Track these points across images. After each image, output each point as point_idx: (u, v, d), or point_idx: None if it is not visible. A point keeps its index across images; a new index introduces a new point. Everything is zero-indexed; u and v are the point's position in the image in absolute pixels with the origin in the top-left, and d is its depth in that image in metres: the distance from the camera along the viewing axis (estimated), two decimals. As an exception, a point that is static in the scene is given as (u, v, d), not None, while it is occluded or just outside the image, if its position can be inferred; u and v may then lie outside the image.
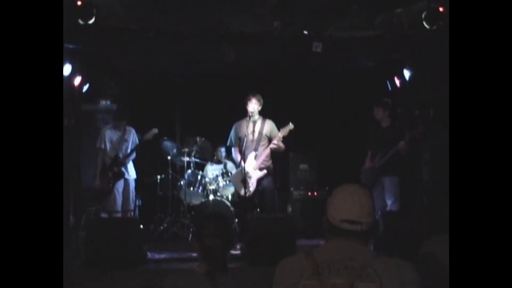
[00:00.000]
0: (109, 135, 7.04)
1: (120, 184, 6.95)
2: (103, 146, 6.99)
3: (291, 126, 6.47)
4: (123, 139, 7.01)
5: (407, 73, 7.43)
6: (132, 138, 7.13)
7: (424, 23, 5.95)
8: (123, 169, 6.97)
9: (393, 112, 6.82)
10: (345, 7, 6.17)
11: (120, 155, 6.95)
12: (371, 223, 2.06)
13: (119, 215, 6.89)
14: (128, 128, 7.13)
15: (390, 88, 7.90)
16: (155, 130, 7.16)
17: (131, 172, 7.10)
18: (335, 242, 2.07)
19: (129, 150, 7.04)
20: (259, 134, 6.61)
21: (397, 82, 7.70)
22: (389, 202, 6.48)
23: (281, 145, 6.60)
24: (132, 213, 7.09)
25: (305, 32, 6.84)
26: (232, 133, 6.83)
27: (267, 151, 6.56)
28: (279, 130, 6.55)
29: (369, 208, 2.07)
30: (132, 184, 7.10)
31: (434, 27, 5.91)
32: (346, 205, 2.06)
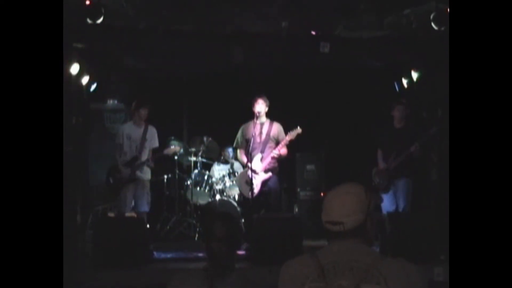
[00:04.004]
0: (127, 131, 6.68)
1: (131, 185, 6.56)
2: (120, 142, 6.63)
3: (299, 130, 6.42)
4: (144, 139, 6.65)
5: (415, 74, 7.39)
6: (153, 139, 6.76)
7: (433, 24, 5.93)
8: (138, 172, 6.59)
9: (409, 114, 6.71)
10: (353, 7, 6.16)
11: (140, 158, 6.58)
12: (357, 221, 2.00)
13: (130, 215, 6.57)
14: (150, 127, 6.76)
15: (397, 89, 7.87)
16: (178, 148, 7.05)
17: (145, 173, 6.69)
18: (335, 244, 2.05)
19: (153, 146, 6.70)
20: (266, 136, 6.58)
21: (405, 83, 7.67)
22: (401, 204, 6.43)
23: (284, 152, 6.55)
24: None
25: (313, 32, 6.83)
26: (239, 135, 6.81)
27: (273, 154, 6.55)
28: (286, 133, 6.53)
29: (352, 206, 2.01)
30: (146, 185, 6.68)
31: (442, 28, 5.89)
32: (329, 205, 2.04)
